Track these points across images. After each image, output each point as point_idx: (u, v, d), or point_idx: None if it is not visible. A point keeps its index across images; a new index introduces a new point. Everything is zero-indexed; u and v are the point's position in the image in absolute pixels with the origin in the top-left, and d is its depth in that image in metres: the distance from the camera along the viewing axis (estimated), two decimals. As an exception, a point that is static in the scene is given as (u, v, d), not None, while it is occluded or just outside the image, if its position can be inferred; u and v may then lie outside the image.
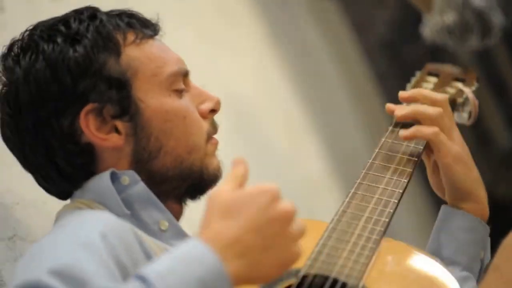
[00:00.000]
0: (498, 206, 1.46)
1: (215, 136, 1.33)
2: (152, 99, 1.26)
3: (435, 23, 2.03)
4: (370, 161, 1.30)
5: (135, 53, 1.27)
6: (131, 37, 1.28)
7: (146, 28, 1.31)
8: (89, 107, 1.24)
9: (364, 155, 2.99)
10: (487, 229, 1.34)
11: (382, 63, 2.98)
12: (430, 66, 1.57)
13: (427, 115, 1.31)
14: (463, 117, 1.46)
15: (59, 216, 1.26)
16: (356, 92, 3.13)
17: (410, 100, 1.35)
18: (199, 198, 1.32)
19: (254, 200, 0.96)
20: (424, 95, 1.34)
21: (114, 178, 1.23)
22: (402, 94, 1.36)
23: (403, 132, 1.31)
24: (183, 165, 1.27)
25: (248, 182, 1.00)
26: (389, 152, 1.31)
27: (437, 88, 1.49)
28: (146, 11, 1.35)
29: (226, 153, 1.34)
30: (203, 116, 1.31)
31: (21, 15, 1.65)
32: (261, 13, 2.89)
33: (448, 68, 1.56)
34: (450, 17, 2.03)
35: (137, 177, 1.24)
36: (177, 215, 1.31)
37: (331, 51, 3.11)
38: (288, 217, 0.96)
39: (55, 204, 1.32)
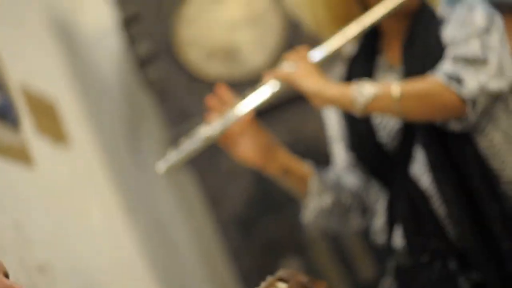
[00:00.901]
0: None
1: None
2: None
3: (314, 207, 2.09)
4: None
5: None
6: None
7: None
8: None
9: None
10: None
11: (235, 238, 2.98)
12: (282, 273, 1.59)
13: None
14: None
15: None
16: (209, 266, 3.11)
17: None
18: None
19: None
20: None
21: None
22: None
23: None
24: None
25: None
26: None
27: None
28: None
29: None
30: None
31: None
32: (115, 179, 2.86)
33: (299, 276, 1.59)
34: (327, 199, 2.09)
35: None
36: None
37: (186, 223, 3.10)
38: None
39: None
